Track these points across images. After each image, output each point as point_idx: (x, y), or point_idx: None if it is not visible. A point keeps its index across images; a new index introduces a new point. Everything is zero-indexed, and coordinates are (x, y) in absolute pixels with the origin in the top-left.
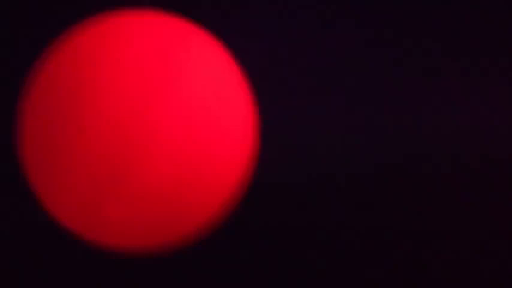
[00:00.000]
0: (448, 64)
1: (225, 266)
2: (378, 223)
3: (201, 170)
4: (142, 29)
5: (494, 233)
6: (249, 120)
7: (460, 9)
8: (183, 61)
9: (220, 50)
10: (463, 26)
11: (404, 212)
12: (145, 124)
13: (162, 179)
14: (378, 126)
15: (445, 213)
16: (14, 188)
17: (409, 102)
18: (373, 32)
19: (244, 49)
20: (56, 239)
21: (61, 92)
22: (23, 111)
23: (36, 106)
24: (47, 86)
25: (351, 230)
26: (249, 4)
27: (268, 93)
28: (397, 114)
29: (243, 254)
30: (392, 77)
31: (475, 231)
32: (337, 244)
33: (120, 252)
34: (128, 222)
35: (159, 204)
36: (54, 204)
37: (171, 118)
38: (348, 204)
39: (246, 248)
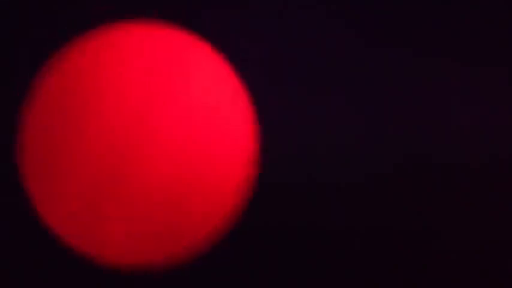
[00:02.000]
0: (448, 64)
1: (225, 266)
2: (378, 223)
3: (201, 180)
4: (144, 40)
5: (495, 233)
6: (248, 127)
7: (460, 9)
8: (183, 70)
9: (218, 57)
10: (463, 26)
11: (405, 212)
12: (146, 134)
13: (165, 191)
14: (378, 126)
15: (445, 213)
16: (14, 202)
17: (409, 102)
18: (373, 32)
19: (242, 50)
20: (56, 254)
21: (63, 102)
22: (25, 121)
23: (38, 116)
24: (49, 95)
25: (351, 230)
26: (248, 10)
27: (268, 93)
28: (397, 114)
29: (243, 254)
30: (392, 77)
31: (475, 231)
32: (337, 244)
33: (120, 267)
34: (129, 237)
35: (162, 217)
36: (54, 220)
37: (171, 128)
38: (348, 205)
39: (246, 248)
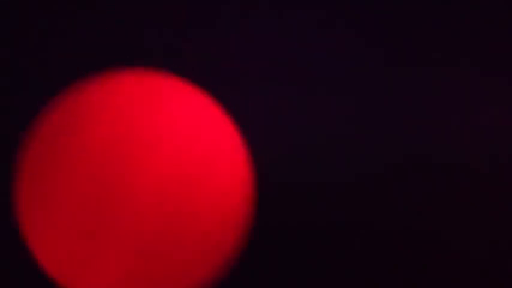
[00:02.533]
0: (448, 64)
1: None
2: (378, 223)
3: (198, 218)
4: (137, 87)
5: (495, 233)
6: (244, 167)
7: (460, 9)
8: (173, 113)
9: (206, 97)
10: (463, 26)
11: (405, 212)
12: (140, 173)
13: (160, 230)
14: (377, 126)
15: (445, 213)
16: (9, 242)
17: (409, 102)
18: (373, 32)
19: (237, 58)
20: None
21: (58, 144)
22: (21, 164)
23: (34, 158)
24: (46, 137)
25: (351, 230)
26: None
27: (268, 93)
28: (397, 114)
29: (243, 254)
30: (392, 77)
31: (475, 231)
32: (338, 244)
33: None
34: (124, 277)
35: (157, 257)
36: (49, 260)
37: (164, 168)
38: (348, 205)
39: (247, 248)
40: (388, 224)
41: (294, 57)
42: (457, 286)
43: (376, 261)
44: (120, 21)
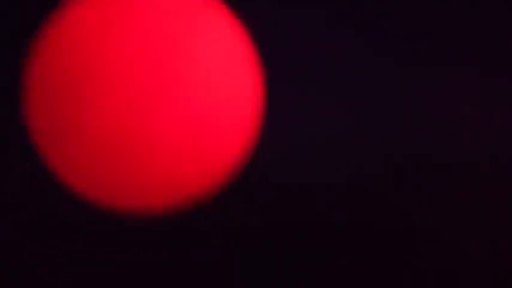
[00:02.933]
0: (448, 64)
1: (225, 266)
2: (378, 223)
3: (205, 134)
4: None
5: (495, 233)
6: (254, 92)
7: (460, 9)
8: (191, 29)
9: (231, 20)
10: (463, 26)
11: (405, 212)
12: (152, 91)
13: (169, 143)
14: (377, 126)
15: (445, 213)
16: (21, 153)
17: (409, 102)
18: (373, 33)
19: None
20: (62, 201)
21: (67, 58)
22: (29, 78)
23: (42, 73)
24: (52, 54)
25: (350, 230)
26: None
27: (267, 94)
28: (397, 114)
29: (243, 253)
30: (392, 77)
31: (475, 231)
32: (337, 244)
33: (123, 213)
34: (133, 183)
35: (164, 168)
36: (61, 167)
37: (178, 85)
38: (348, 205)
39: (246, 248)
40: (388, 224)
41: (294, 57)
42: (457, 286)
43: (376, 261)
44: None
